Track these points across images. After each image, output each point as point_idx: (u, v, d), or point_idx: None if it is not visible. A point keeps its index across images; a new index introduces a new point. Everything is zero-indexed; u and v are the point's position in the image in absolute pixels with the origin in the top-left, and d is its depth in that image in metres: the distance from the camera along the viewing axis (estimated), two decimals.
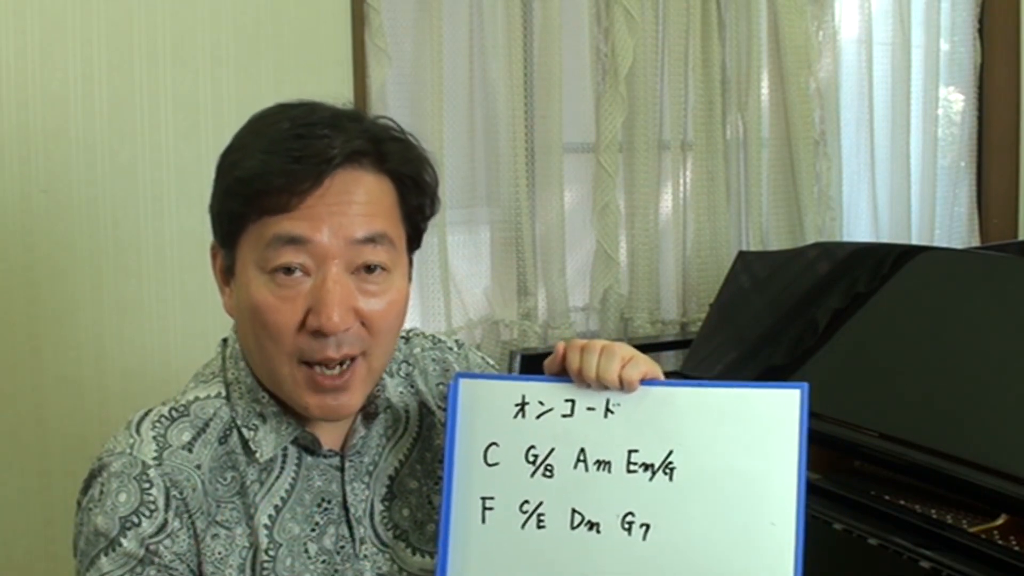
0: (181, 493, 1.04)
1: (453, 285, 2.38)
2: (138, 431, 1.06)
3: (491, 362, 1.34)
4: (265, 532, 1.07)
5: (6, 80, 1.91)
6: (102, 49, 1.98)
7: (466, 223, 2.44)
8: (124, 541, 1.01)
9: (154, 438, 1.05)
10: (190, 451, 1.06)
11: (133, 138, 2.02)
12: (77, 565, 1.04)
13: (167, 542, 1.03)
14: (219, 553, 1.06)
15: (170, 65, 2.04)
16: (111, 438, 1.08)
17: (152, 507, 1.02)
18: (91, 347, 2.01)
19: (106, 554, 1.01)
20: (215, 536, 1.06)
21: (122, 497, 1.02)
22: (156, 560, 1.02)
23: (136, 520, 1.02)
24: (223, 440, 1.08)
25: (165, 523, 1.03)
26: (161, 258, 2.06)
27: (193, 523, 1.05)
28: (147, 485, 1.03)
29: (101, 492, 1.03)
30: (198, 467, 1.06)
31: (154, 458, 1.04)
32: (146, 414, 1.08)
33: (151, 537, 1.02)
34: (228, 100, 2.08)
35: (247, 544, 1.07)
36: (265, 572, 1.06)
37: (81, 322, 2.00)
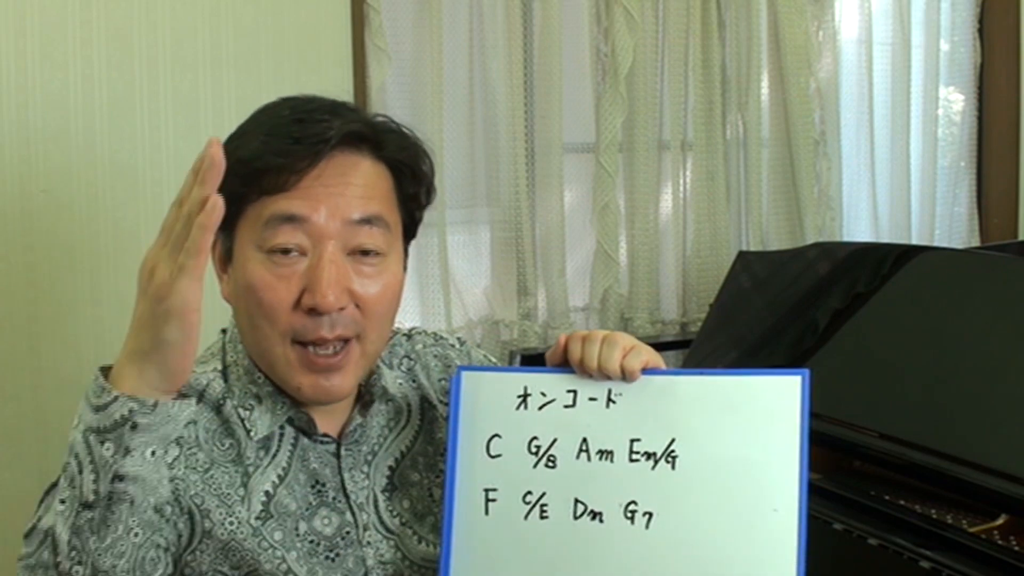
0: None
1: (453, 285, 2.38)
2: None
3: (493, 360, 1.34)
4: (262, 501, 1.07)
5: (6, 80, 1.91)
6: (102, 49, 1.98)
7: (466, 223, 2.44)
8: None
9: None
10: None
11: (133, 138, 2.02)
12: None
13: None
14: (224, 489, 1.06)
15: (170, 65, 2.04)
16: None
17: None
18: (91, 347, 2.01)
19: None
20: (215, 475, 1.07)
21: None
22: None
23: None
24: (218, 409, 1.09)
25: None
26: None
27: (194, 455, 1.06)
28: None
29: None
30: (195, 423, 1.07)
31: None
32: None
33: None
34: (228, 100, 2.08)
35: (231, 503, 1.07)
36: (255, 537, 1.06)
37: (81, 322, 2.00)
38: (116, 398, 0.87)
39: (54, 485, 0.95)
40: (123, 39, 2.00)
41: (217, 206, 0.85)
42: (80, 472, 0.88)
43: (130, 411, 0.87)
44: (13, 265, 1.94)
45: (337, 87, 2.13)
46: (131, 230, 2.03)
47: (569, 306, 2.50)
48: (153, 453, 0.90)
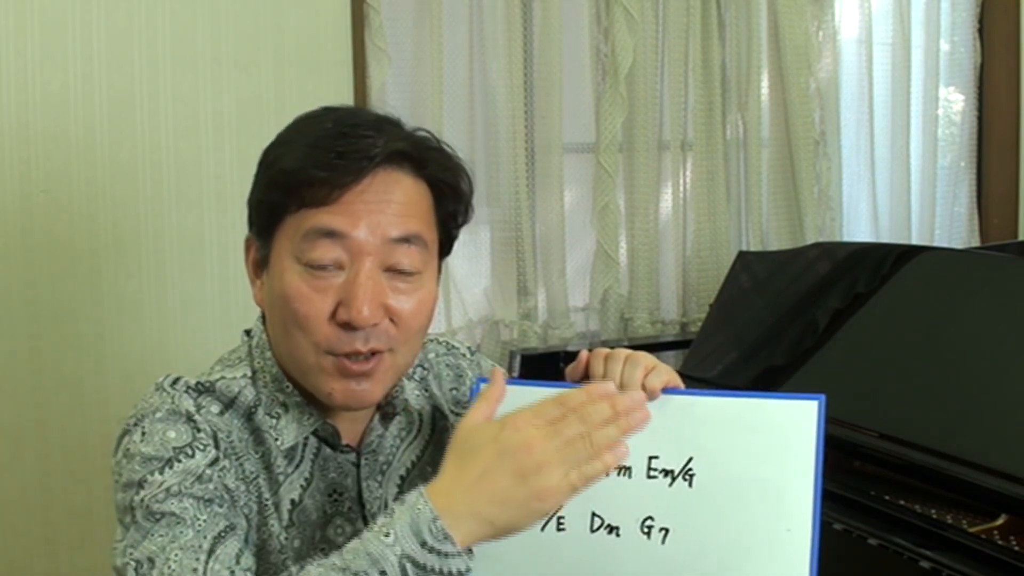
0: (228, 437, 1.06)
1: (453, 285, 2.38)
2: (173, 387, 1.07)
3: (501, 370, 1.35)
4: (288, 510, 1.09)
5: (6, 80, 1.91)
6: (102, 49, 1.99)
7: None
8: (183, 459, 1.01)
9: (187, 393, 1.07)
10: (221, 417, 1.08)
11: (133, 138, 2.02)
12: (121, 500, 1.01)
13: (220, 473, 1.03)
14: (264, 497, 1.07)
15: (170, 65, 2.04)
16: (140, 401, 1.08)
17: (204, 443, 1.03)
18: (91, 347, 2.01)
19: (160, 472, 1.00)
20: (259, 483, 1.08)
21: (171, 434, 1.02)
22: (213, 482, 1.01)
23: (190, 452, 1.01)
24: (249, 417, 1.10)
25: (217, 459, 1.03)
26: (161, 258, 2.06)
27: (242, 465, 1.06)
28: (194, 426, 1.03)
29: (144, 433, 1.02)
30: (230, 433, 1.08)
31: (195, 409, 1.05)
32: (176, 379, 1.09)
33: (207, 467, 1.01)
34: (228, 100, 2.07)
35: (267, 514, 1.08)
36: (278, 546, 1.07)
37: (81, 322, 2.00)
38: (460, 554, 0.90)
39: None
40: (123, 39, 2.00)
41: (625, 455, 0.93)
42: None
43: (467, 568, 0.91)
44: (13, 265, 1.94)
45: (337, 87, 2.16)
46: (131, 230, 2.03)
47: (569, 306, 2.50)
48: None
